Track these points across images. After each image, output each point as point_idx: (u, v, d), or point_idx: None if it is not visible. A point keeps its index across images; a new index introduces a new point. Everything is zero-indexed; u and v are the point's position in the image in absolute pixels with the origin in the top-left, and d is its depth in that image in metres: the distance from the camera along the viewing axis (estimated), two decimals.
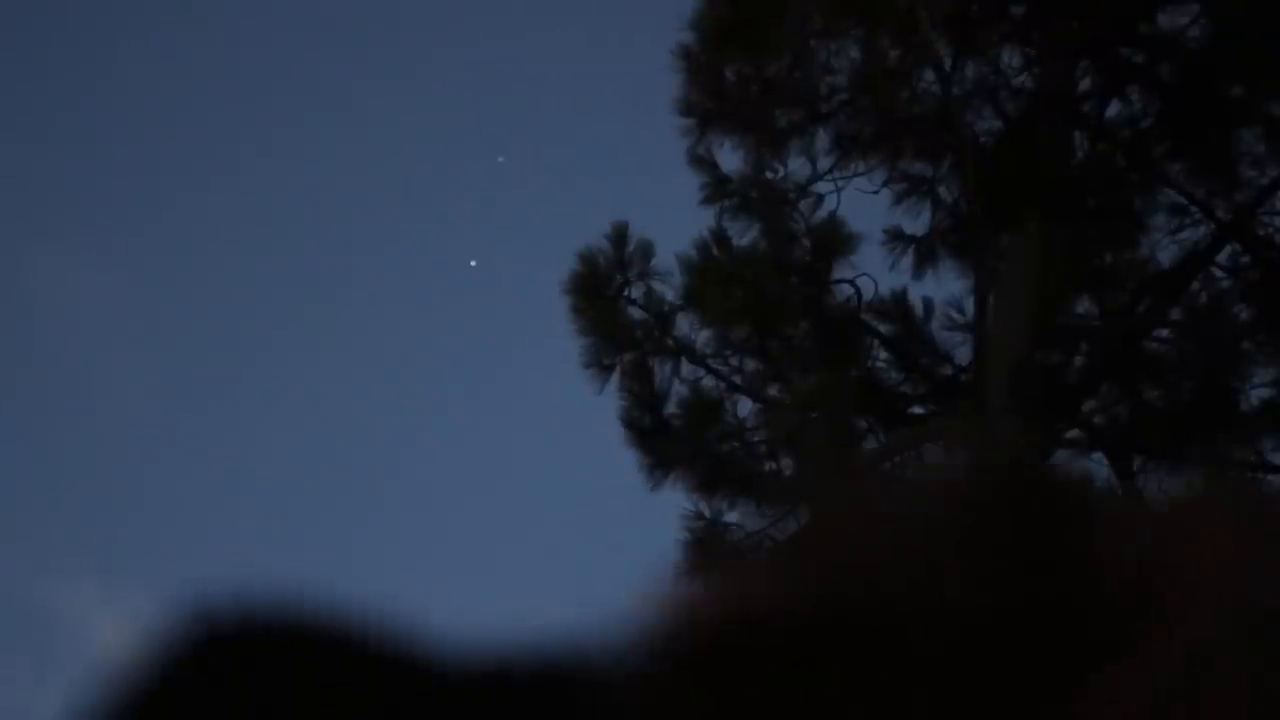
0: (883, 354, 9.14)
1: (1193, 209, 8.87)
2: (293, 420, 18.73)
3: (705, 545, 9.10)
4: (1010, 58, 8.92)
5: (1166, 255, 8.99)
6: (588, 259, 9.12)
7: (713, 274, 8.96)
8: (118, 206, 18.65)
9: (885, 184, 9.05)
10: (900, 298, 9.17)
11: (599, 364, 9.15)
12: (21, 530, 16.50)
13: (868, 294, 9.07)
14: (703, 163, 9.07)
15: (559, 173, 18.00)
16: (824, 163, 9.02)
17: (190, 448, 18.60)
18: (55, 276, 18.84)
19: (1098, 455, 9.12)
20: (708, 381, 9.17)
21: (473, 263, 14.86)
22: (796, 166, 9.07)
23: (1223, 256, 9.02)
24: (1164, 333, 9.07)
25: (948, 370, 9.03)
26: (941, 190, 9.08)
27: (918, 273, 9.15)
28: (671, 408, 9.17)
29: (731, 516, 9.18)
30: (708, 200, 9.07)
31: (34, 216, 18.00)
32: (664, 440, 9.10)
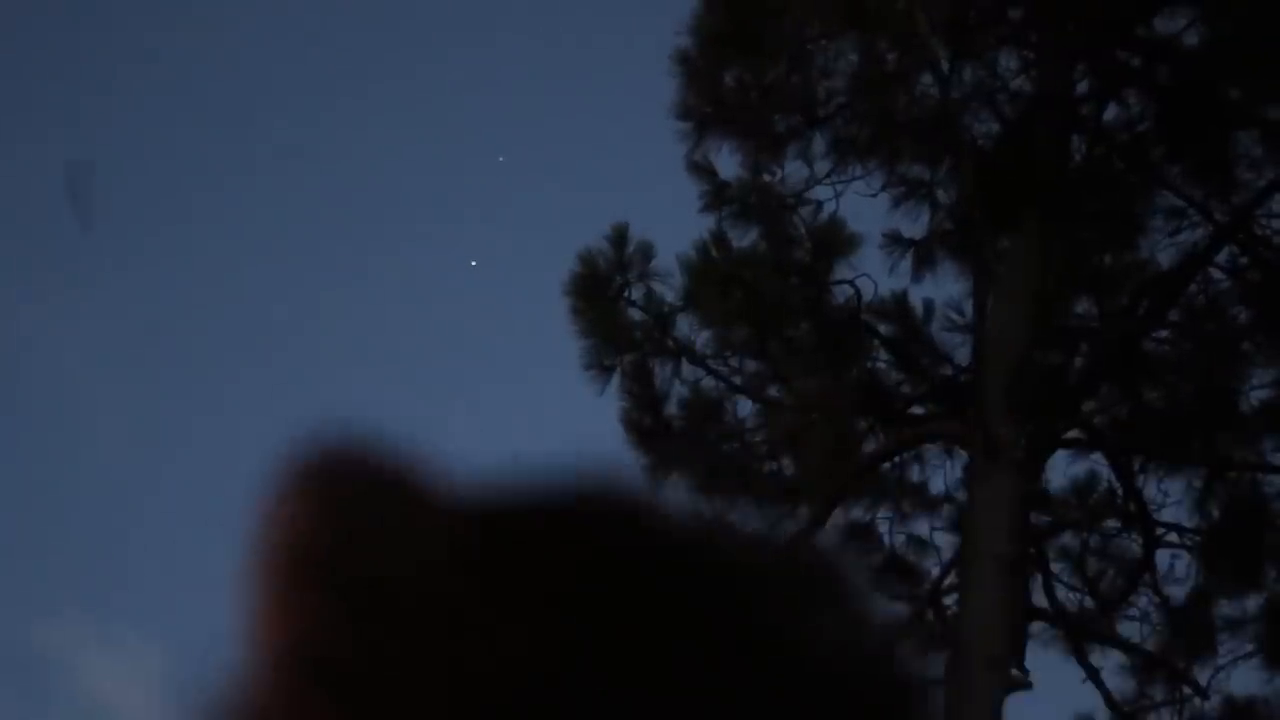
0: (883, 355, 9.16)
1: (1191, 211, 8.89)
2: (288, 427, 18.67)
3: None
4: (1008, 61, 8.95)
5: (1165, 257, 9.02)
6: (588, 260, 9.13)
7: (713, 275, 8.98)
8: (98, 248, 18.67)
9: (884, 187, 9.07)
10: (900, 299, 9.19)
11: (600, 365, 9.16)
12: (10, 568, 16.53)
13: (867, 295, 9.09)
14: (702, 170, 9.08)
15: (559, 173, 18.01)
16: (822, 166, 9.04)
17: (179, 483, 18.62)
18: (39, 321, 18.88)
19: (1097, 456, 9.14)
20: (708, 382, 9.19)
21: (473, 263, 14.88)
22: (794, 170, 9.09)
23: (1221, 258, 9.05)
24: (1163, 333, 9.08)
25: (947, 371, 9.05)
26: (940, 193, 9.10)
27: (917, 275, 9.17)
28: (672, 409, 9.18)
29: (732, 517, 9.19)
30: (708, 208, 9.09)
31: (13, 265, 18.03)
32: (664, 441, 9.12)
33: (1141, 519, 9.13)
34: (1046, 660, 8.85)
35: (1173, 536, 9.17)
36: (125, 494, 18.34)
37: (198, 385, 18.93)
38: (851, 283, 9.04)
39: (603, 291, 9.13)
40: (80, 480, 18.12)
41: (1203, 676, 9.14)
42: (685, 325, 9.19)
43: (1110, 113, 9.02)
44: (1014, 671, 8.08)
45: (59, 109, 18.82)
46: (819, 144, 9.04)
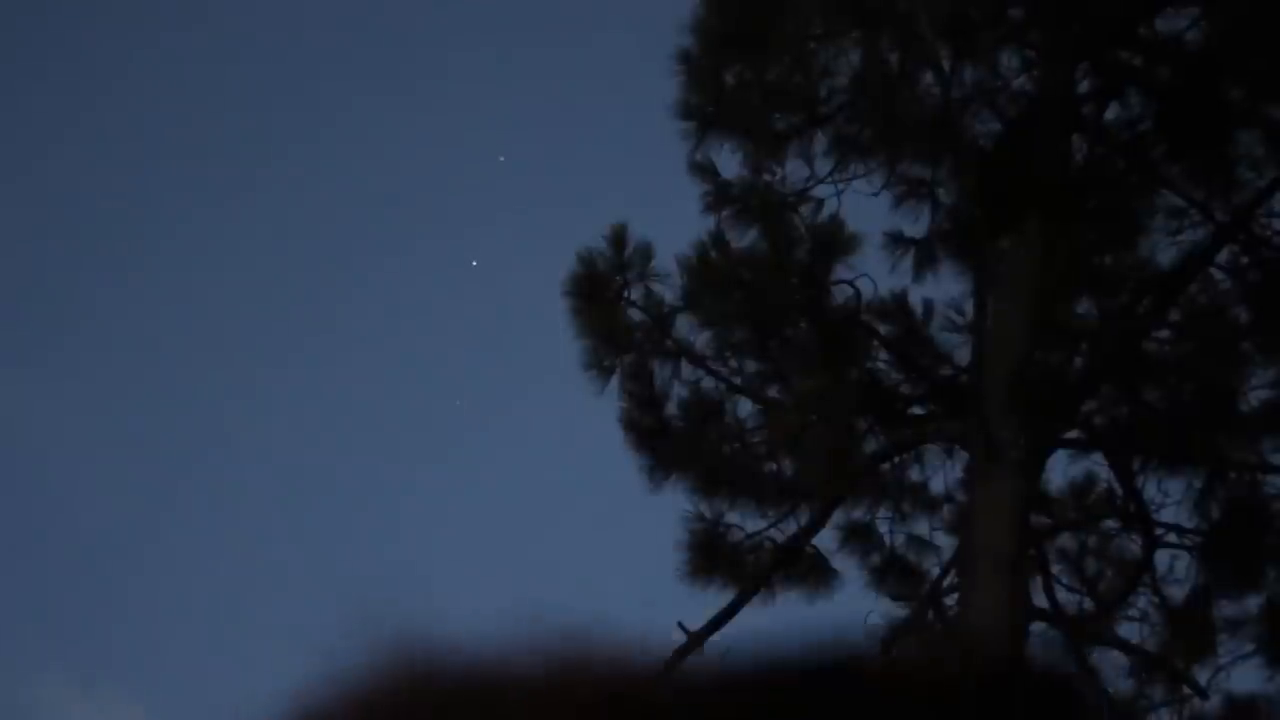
0: (883, 355, 9.15)
1: (1192, 211, 8.88)
2: (282, 438, 18.73)
3: (706, 547, 9.11)
4: (1009, 60, 8.94)
5: (1166, 256, 9.01)
6: (586, 261, 9.13)
7: (712, 276, 8.97)
8: (68, 316, 18.74)
9: (885, 186, 9.07)
10: (900, 299, 9.19)
11: (599, 366, 9.16)
12: (0, 628, 16.55)
13: (868, 295, 9.09)
14: (703, 171, 9.08)
15: (559, 173, 18.00)
16: (823, 165, 9.04)
17: (164, 548, 18.65)
18: (28, 391, 18.96)
19: (1097, 456, 9.14)
20: (708, 383, 9.18)
21: (473, 263, 14.88)
22: (795, 169, 9.09)
23: (1222, 258, 9.04)
24: (1164, 334, 9.08)
25: (948, 371, 9.04)
26: (941, 193, 9.10)
27: (917, 275, 9.16)
28: (671, 409, 9.18)
29: (732, 518, 9.20)
30: (709, 209, 9.08)
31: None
32: (664, 442, 9.11)
33: (1141, 519, 9.13)
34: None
35: (1172, 537, 9.16)
36: (111, 558, 18.42)
37: (184, 442, 18.97)
38: (851, 283, 9.04)
39: (602, 292, 9.12)
40: (68, 543, 18.20)
41: (1202, 677, 9.14)
42: (685, 326, 9.19)
43: (1111, 112, 9.02)
44: None
45: (35, 196, 18.82)
46: (820, 143, 9.04)
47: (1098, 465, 9.16)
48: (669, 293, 9.15)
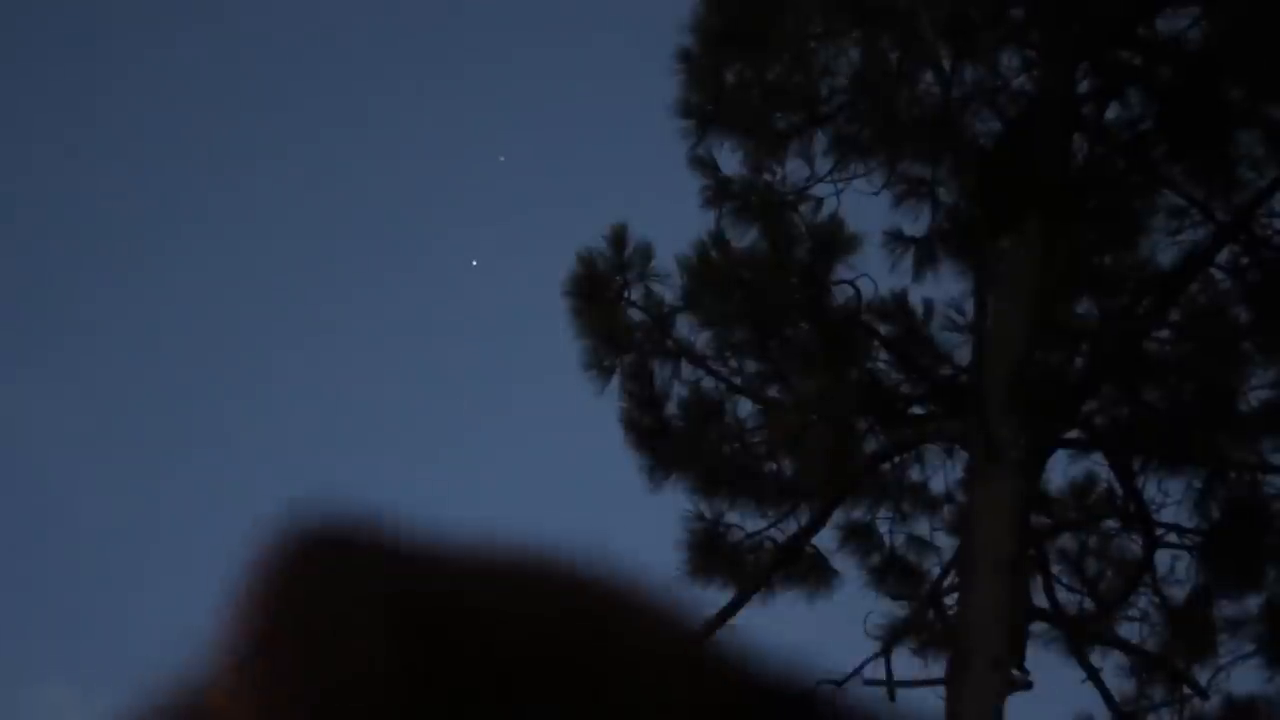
0: (883, 355, 9.15)
1: (1192, 211, 8.88)
2: (275, 444, 18.73)
3: (706, 547, 9.11)
4: (1009, 60, 8.94)
5: (1166, 256, 9.01)
6: (586, 261, 9.12)
7: (712, 275, 8.97)
8: (68, 316, 18.75)
9: (885, 186, 9.07)
10: (900, 299, 9.19)
11: (599, 365, 9.15)
12: None
13: (868, 295, 9.08)
14: (704, 165, 9.08)
15: (559, 173, 18.02)
16: (823, 165, 9.04)
17: (161, 552, 18.63)
18: (21, 400, 18.97)
19: (1097, 456, 9.13)
20: (708, 383, 9.18)
21: (474, 263, 14.88)
22: (796, 168, 9.09)
23: (1222, 257, 9.04)
24: (1164, 334, 9.08)
25: (948, 371, 9.04)
26: (941, 192, 9.10)
27: (917, 274, 9.17)
28: (671, 409, 9.18)
29: (732, 517, 9.20)
30: (709, 204, 9.08)
31: None
32: (664, 442, 9.11)
33: (1141, 519, 9.12)
34: (1046, 660, 8.85)
35: (1173, 537, 9.16)
36: (111, 558, 18.40)
37: (183, 441, 18.96)
38: (852, 283, 9.04)
39: (602, 292, 9.12)
40: (68, 543, 18.18)
41: (1203, 677, 9.14)
42: (685, 325, 9.18)
43: (1112, 112, 9.02)
44: (1015, 672, 8.07)
45: (35, 196, 18.81)
46: (820, 142, 9.05)
47: (1098, 465, 9.16)
48: (669, 293, 9.15)
